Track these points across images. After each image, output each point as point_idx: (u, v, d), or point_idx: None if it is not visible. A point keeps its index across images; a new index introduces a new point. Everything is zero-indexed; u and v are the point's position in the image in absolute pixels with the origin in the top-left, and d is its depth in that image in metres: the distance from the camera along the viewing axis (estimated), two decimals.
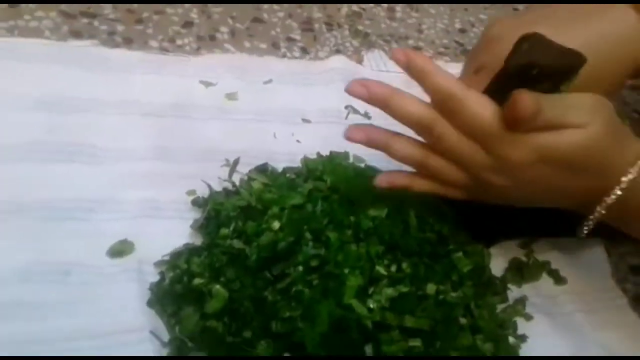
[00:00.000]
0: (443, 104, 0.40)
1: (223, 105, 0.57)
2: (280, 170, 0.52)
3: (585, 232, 0.44)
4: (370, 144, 0.43)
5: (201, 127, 0.54)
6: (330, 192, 0.47)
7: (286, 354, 0.39)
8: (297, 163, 0.53)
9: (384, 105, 0.41)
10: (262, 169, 0.51)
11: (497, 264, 0.50)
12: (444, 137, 0.41)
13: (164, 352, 0.39)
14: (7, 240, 0.43)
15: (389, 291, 0.40)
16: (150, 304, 0.42)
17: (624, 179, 0.41)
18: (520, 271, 0.50)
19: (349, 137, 0.43)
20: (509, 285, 0.49)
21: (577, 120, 0.39)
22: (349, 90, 0.41)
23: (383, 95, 0.41)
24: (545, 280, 0.51)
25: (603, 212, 0.42)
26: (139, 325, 0.40)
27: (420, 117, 0.41)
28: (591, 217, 0.43)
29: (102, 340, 0.39)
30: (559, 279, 0.51)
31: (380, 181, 0.44)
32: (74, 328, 0.39)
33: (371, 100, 0.42)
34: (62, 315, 0.40)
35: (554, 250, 0.53)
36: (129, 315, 0.40)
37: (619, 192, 0.41)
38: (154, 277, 0.43)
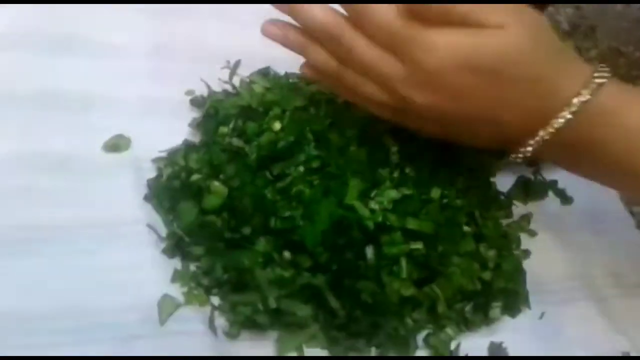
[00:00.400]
0: (351, 11, 0.36)
1: (225, 5, 0.54)
2: (282, 74, 0.50)
3: (520, 157, 0.38)
4: (286, 43, 0.40)
5: (201, 27, 0.52)
6: (334, 96, 0.45)
7: (285, 252, 0.38)
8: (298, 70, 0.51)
9: (291, 9, 0.38)
10: (264, 73, 0.49)
11: (504, 182, 0.49)
12: (353, 46, 0.36)
13: (161, 246, 0.39)
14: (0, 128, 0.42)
15: (392, 193, 0.39)
16: (147, 198, 0.41)
17: (575, 100, 0.35)
18: (527, 188, 0.49)
19: (264, 32, 0.40)
20: (514, 202, 0.48)
21: (495, 18, 0.34)
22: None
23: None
24: (552, 199, 0.50)
25: (547, 137, 0.36)
26: (135, 218, 0.39)
27: (327, 22, 0.37)
28: (531, 141, 0.37)
29: (98, 230, 0.38)
30: (565, 199, 0.50)
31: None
32: (70, 217, 0.39)
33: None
34: (57, 204, 0.39)
35: (562, 170, 0.51)
36: (126, 208, 0.40)
37: (569, 116, 0.35)
38: (151, 173, 0.42)
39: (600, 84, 0.36)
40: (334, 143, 0.41)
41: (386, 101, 0.38)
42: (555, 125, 0.36)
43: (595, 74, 0.36)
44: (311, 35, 0.38)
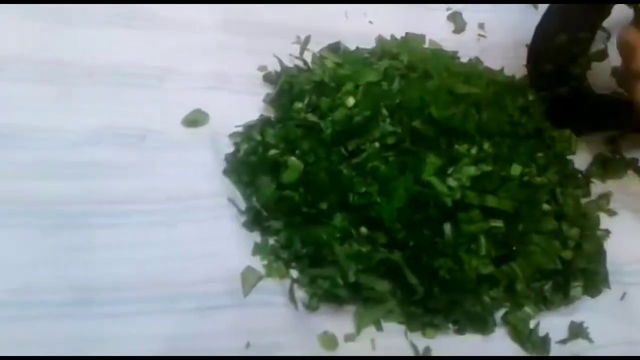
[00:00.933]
0: None
1: None
2: (352, 49, 0.49)
3: None
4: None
5: (270, 2, 0.52)
6: (408, 71, 0.45)
7: (362, 227, 0.38)
8: (368, 44, 0.50)
9: None
10: (334, 48, 0.49)
11: (582, 159, 0.47)
12: None
13: (241, 220, 0.39)
14: (80, 103, 0.43)
15: (471, 170, 0.38)
16: (226, 172, 0.41)
17: None
18: (605, 166, 0.48)
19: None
20: (593, 180, 0.46)
21: None
22: None
23: None
24: (631, 178, 0.48)
25: None
26: (214, 192, 0.40)
27: None
28: None
29: (179, 203, 0.39)
30: None
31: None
32: (151, 190, 0.40)
33: None
34: (137, 176, 0.40)
35: None
36: (205, 182, 0.40)
37: None
38: (228, 148, 0.42)
39: None
40: (409, 119, 0.41)
41: None
42: None
43: None
44: None
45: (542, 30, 0.45)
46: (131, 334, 0.34)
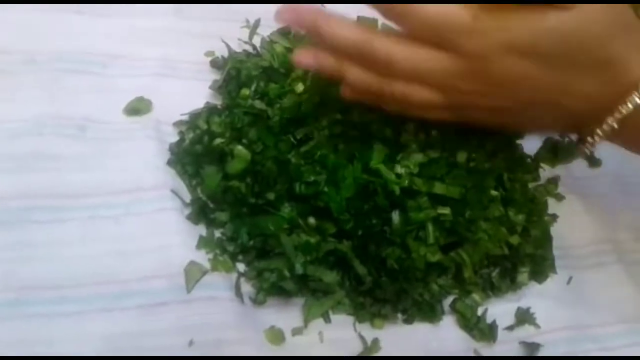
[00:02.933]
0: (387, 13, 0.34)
1: None
2: (303, 33, 0.48)
3: (589, 150, 0.37)
4: (321, 69, 0.37)
5: None
6: None
7: (310, 218, 0.37)
8: None
9: (315, 30, 0.36)
10: (285, 32, 0.48)
11: (531, 143, 0.47)
12: (390, 55, 0.34)
13: (185, 212, 0.38)
14: (21, 91, 0.41)
15: (418, 157, 0.38)
16: (170, 163, 0.40)
17: None
18: (554, 151, 0.48)
19: (297, 62, 0.37)
20: (542, 165, 0.47)
21: None
22: (278, 16, 0.37)
23: (312, 19, 0.36)
24: (580, 162, 0.48)
25: (615, 125, 0.34)
26: (158, 184, 0.39)
27: (355, 38, 0.35)
28: (598, 131, 0.34)
29: (121, 196, 0.38)
30: (593, 161, 0.48)
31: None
32: (92, 182, 0.38)
33: (300, 25, 0.37)
34: (79, 169, 0.39)
35: None
36: (149, 173, 0.39)
37: (637, 100, 0.33)
38: (173, 137, 0.41)
39: None
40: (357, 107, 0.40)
41: (441, 102, 0.35)
42: (624, 111, 0.33)
43: None
44: (344, 55, 0.36)
45: None
46: (71, 334, 0.33)
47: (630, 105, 0.33)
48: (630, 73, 0.33)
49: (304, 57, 0.37)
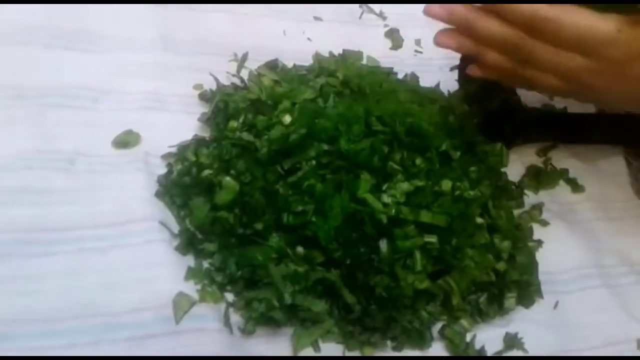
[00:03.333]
0: (532, 27, 0.39)
1: None
2: (290, 66, 0.49)
3: None
4: (460, 50, 0.43)
5: (208, 20, 0.51)
6: (343, 88, 0.45)
7: (298, 247, 0.38)
8: (306, 62, 0.51)
9: (466, 27, 0.41)
10: (272, 65, 0.49)
11: (514, 170, 0.49)
12: (535, 51, 0.39)
13: (174, 243, 0.39)
14: (9, 126, 0.41)
15: (404, 186, 0.39)
16: (158, 195, 0.40)
17: None
18: (538, 177, 0.49)
19: (438, 43, 0.43)
20: (526, 191, 0.48)
21: None
22: (426, 11, 0.41)
23: (465, 16, 0.41)
24: (563, 188, 0.50)
25: None
26: (147, 216, 0.39)
27: (506, 37, 0.40)
28: None
29: (110, 229, 0.38)
30: (576, 187, 0.49)
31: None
32: (80, 215, 0.38)
33: (452, 21, 0.42)
34: (67, 202, 0.39)
35: (572, 159, 0.51)
36: (137, 205, 0.39)
37: None
38: (161, 169, 0.42)
39: None
40: (344, 138, 0.41)
41: (564, 89, 0.42)
42: None
43: None
44: (486, 42, 0.41)
45: None
46: None
47: None
48: None
49: (445, 39, 0.42)
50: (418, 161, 0.40)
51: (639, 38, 0.37)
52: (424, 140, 0.41)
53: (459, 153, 0.42)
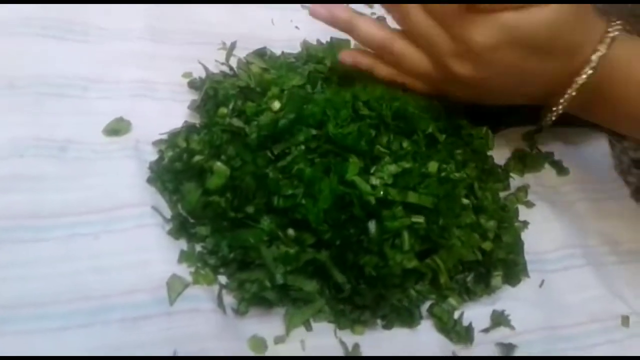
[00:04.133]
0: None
1: None
2: (278, 54, 0.50)
3: (552, 119, 0.44)
4: (333, 22, 0.44)
5: (196, 10, 0.52)
6: (330, 74, 0.46)
7: (289, 229, 0.38)
8: (295, 49, 0.51)
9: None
10: (261, 53, 0.49)
11: (500, 154, 0.50)
12: (410, 12, 0.41)
13: (167, 228, 0.39)
14: (1, 115, 0.42)
15: (392, 168, 0.40)
16: (150, 181, 0.41)
17: (593, 57, 0.40)
18: (523, 161, 0.50)
19: (312, 13, 0.44)
20: (511, 174, 0.49)
21: None
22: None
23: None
24: (548, 171, 0.51)
25: (574, 94, 0.41)
26: (139, 201, 0.39)
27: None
28: (561, 100, 0.42)
29: (103, 214, 0.39)
30: (561, 170, 0.50)
31: (344, 56, 0.45)
32: (72, 201, 0.39)
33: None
34: (59, 189, 0.39)
35: (558, 142, 0.52)
36: (129, 191, 0.40)
37: (590, 71, 0.40)
38: (153, 156, 0.42)
39: (614, 38, 0.40)
40: (332, 122, 0.41)
41: (429, 71, 0.42)
42: (580, 82, 0.41)
43: (609, 29, 0.41)
44: (358, 13, 0.43)
45: None
46: (52, 350, 0.33)
47: (584, 76, 0.41)
48: (584, 51, 0.40)
49: (319, 10, 0.44)
50: (405, 144, 0.41)
51: (506, 22, 0.38)
52: (410, 124, 0.42)
53: (444, 136, 0.43)
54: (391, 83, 0.44)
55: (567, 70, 0.41)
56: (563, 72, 0.41)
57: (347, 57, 0.45)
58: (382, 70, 0.44)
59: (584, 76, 0.40)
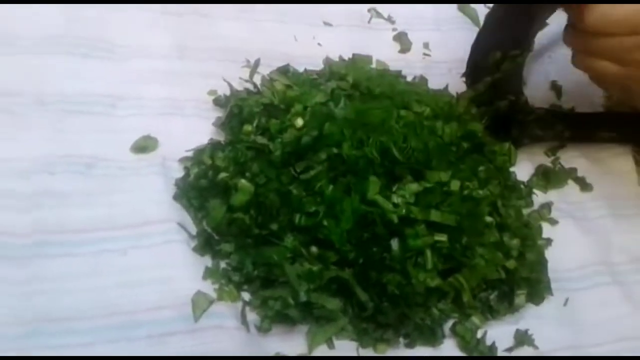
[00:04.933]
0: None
1: (243, 5, 0.55)
2: (301, 71, 0.50)
3: None
4: None
5: (220, 27, 0.52)
6: (353, 91, 0.46)
7: (312, 247, 0.39)
8: (317, 66, 0.52)
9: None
10: (284, 70, 0.50)
11: (523, 170, 0.49)
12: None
13: (192, 244, 0.40)
14: (28, 132, 0.43)
15: (413, 186, 0.40)
16: (176, 197, 0.42)
17: None
18: (546, 177, 0.50)
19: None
20: (535, 191, 0.48)
21: None
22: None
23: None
24: (571, 187, 0.50)
25: None
26: (165, 217, 0.40)
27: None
28: None
29: (129, 230, 0.39)
30: (585, 186, 0.50)
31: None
32: (100, 217, 0.39)
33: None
34: (87, 205, 0.40)
35: (581, 158, 0.52)
36: (155, 208, 0.40)
37: None
38: (179, 173, 0.43)
39: None
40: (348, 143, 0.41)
41: (621, 72, 0.42)
42: None
43: None
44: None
45: (477, 48, 0.47)
46: None
47: None
48: None
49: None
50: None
51: None
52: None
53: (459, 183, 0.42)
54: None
55: None
56: None
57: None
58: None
59: None
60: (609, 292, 0.44)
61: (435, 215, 0.39)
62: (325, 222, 0.38)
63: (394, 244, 0.39)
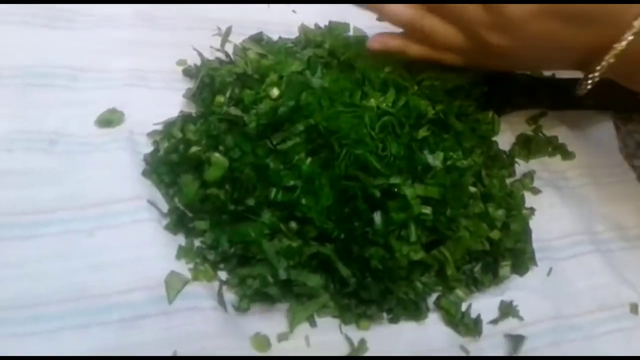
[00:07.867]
0: None
1: None
2: (275, 39, 0.48)
3: (589, 87, 0.41)
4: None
5: None
6: (331, 58, 0.44)
7: (291, 222, 0.37)
8: (292, 34, 0.50)
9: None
10: (257, 39, 0.47)
11: (505, 139, 0.48)
12: None
13: (163, 222, 0.38)
14: None
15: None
16: (145, 173, 0.39)
17: (635, 22, 0.38)
18: (528, 145, 0.49)
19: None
20: (517, 160, 0.47)
21: None
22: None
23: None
24: (553, 156, 0.49)
25: (612, 60, 0.39)
26: (134, 195, 0.38)
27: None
28: (597, 67, 0.40)
29: (96, 209, 0.37)
30: (566, 154, 0.49)
31: (373, 42, 0.43)
32: (64, 196, 0.37)
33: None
34: (51, 184, 0.38)
35: (562, 126, 0.51)
36: (123, 185, 0.38)
37: (630, 37, 0.38)
38: (147, 148, 0.41)
39: None
40: (330, 110, 0.40)
41: (463, 45, 0.41)
42: (619, 48, 0.39)
43: None
44: None
45: None
46: (50, 352, 0.32)
47: (624, 43, 0.38)
48: (625, 18, 0.38)
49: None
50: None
51: None
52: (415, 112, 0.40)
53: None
54: (424, 61, 0.42)
55: (605, 37, 0.39)
56: (601, 40, 0.39)
57: (375, 43, 0.43)
58: (414, 49, 0.42)
59: (624, 42, 0.38)
60: (592, 261, 0.43)
61: (419, 189, 0.38)
62: (303, 200, 0.37)
63: (377, 217, 0.37)
